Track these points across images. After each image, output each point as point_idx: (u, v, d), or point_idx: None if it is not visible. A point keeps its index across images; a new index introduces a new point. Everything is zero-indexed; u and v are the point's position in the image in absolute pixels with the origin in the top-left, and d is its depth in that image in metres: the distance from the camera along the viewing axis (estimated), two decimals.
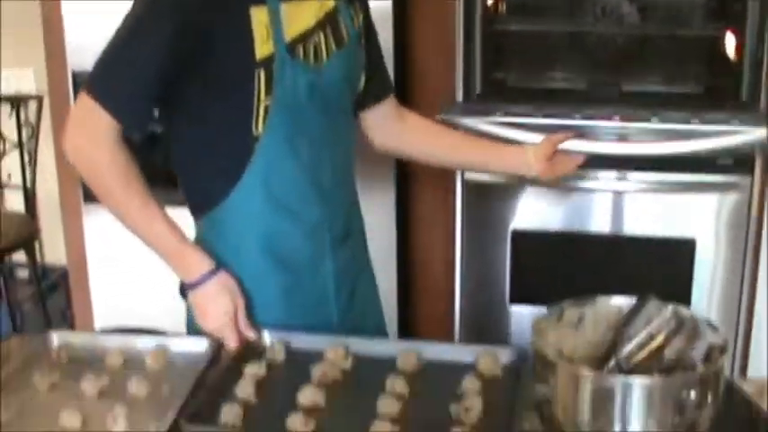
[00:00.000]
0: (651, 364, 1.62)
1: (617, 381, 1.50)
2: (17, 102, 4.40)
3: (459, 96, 3.21)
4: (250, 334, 2.01)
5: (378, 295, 2.42)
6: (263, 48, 1.95)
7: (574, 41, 3.67)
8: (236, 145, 2.01)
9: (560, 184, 2.41)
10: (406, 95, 3.37)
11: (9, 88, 4.45)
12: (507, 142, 2.70)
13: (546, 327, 1.68)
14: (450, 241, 3.18)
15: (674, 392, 1.47)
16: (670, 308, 1.65)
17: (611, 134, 2.95)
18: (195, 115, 2.02)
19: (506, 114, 3.01)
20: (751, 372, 3.17)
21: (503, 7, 3.59)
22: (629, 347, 1.63)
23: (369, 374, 1.87)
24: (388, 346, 1.98)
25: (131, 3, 1.94)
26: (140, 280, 3.01)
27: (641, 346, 1.63)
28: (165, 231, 1.98)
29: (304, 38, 2.03)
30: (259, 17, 1.95)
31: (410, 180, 3.50)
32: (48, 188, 4.26)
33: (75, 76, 3.44)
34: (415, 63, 3.46)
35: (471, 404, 1.70)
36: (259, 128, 1.99)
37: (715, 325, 1.63)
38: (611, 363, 1.62)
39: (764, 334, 3.23)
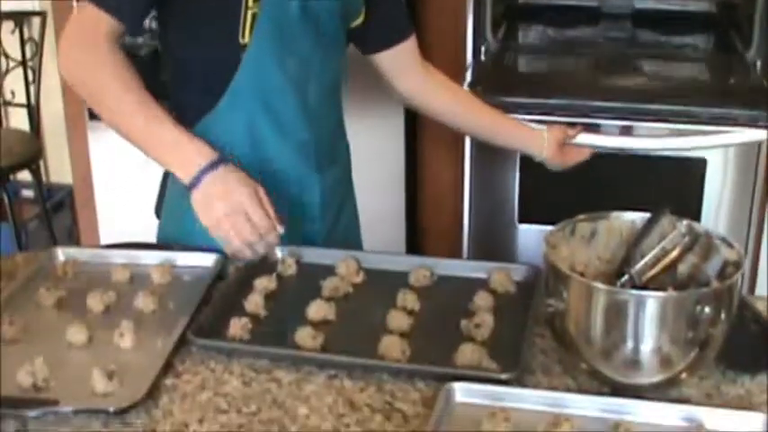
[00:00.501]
0: (664, 279, 1.60)
1: (630, 295, 1.47)
2: (20, 18, 4.33)
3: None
4: (280, 228, 1.84)
5: (359, 231, 2.38)
6: None
7: None
8: (224, 53, 1.96)
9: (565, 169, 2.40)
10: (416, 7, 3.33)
11: (11, 4, 4.38)
12: None
13: (558, 241, 1.65)
14: (459, 160, 3.14)
15: (688, 308, 1.44)
16: (684, 223, 1.62)
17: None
18: (183, 23, 1.99)
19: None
20: (759, 290, 3.15)
21: None
22: (642, 262, 1.60)
23: (380, 289, 1.85)
24: (400, 262, 1.97)
25: None
26: (146, 199, 2.97)
27: (655, 262, 1.60)
28: (162, 124, 1.86)
29: None
30: None
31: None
32: (52, 106, 4.22)
33: None
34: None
35: (482, 320, 1.69)
36: (245, 36, 1.93)
37: (730, 241, 1.60)
38: (625, 278, 1.59)
39: None
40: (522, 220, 3.20)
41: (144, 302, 1.82)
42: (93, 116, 3.43)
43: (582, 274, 1.63)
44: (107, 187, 3.62)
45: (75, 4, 3.34)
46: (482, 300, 1.78)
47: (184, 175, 1.84)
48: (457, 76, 2.80)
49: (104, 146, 3.52)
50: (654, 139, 2.66)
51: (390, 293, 1.81)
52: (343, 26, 2.11)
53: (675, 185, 3.04)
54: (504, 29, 3.38)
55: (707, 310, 1.44)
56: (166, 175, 2.17)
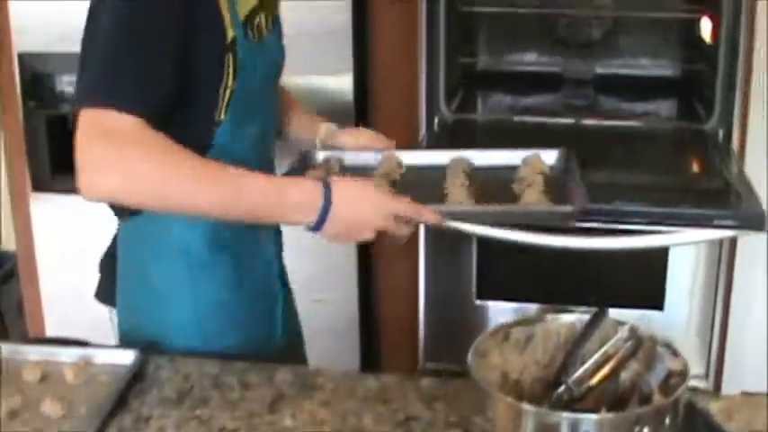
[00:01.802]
0: (605, 388, 1.49)
1: (562, 417, 1.35)
2: None
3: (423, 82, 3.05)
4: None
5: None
6: (229, 30, 1.81)
7: (545, 23, 3.54)
8: (199, 134, 1.84)
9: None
10: (367, 81, 3.25)
11: None
12: None
13: (490, 348, 1.53)
14: (414, 238, 3.03)
15: (627, 429, 1.32)
16: (627, 326, 1.51)
17: None
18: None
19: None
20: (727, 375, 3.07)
21: None
22: (581, 370, 1.49)
23: (425, 178, 2.06)
24: (438, 156, 2.19)
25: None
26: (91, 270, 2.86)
27: (595, 369, 1.49)
28: (257, 183, 1.74)
29: (251, 17, 1.89)
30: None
31: None
32: None
33: (20, 57, 3.27)
34: (376, 45, 3.28)
35: (532, 179, 1.97)
36: (221, 114, 1.84)
37: (675, 348, 1.49)
38: (561, 388, 1.48)
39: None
40: (480, 297, 3.08)
41: (52, 407, 1.69)
42: (36, 187, 3.34)
43: (517, 383, 1.51)
44: (52, 259, 3.49)
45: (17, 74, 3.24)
46: (526, 171, 2.04)
47: (305, 220, 1.77)
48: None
49: (48, 217, 3.41)
50: (610, 239, 2.54)
51: (436, 180, 2.03)
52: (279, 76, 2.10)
53: (636, 271, 2.93)
54: (461, 97, 3.26)
55: (646, 430, 1.32)
56: (112, 260, 2.04)
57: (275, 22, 2.02)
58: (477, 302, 3.09)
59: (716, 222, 2.47)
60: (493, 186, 2.02)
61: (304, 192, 1.76)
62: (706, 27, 3.16)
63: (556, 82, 3.55)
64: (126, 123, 1.63)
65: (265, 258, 2.08)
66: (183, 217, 1.82)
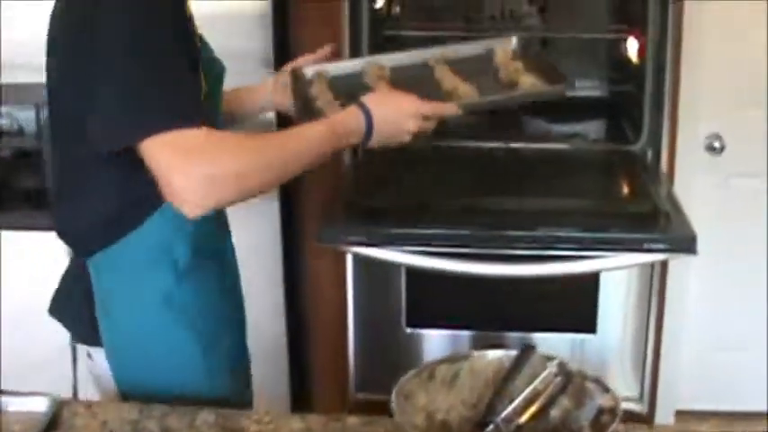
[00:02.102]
0: (535, 426, 1.43)
1: None
2: None
3: None
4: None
5: None
6: (196, 39, 1.83)
7: None
8: None
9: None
10: None
11: None
12: None
13: (414, 388, 1.47)
14: (342, 265, 2.98)
15: None
16: (556, 362, 1.46)
17: None
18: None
19: None
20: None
21: (395, 8, 3.40)
22: (509, 408, 1.43)
23: (414, 77, 2.31)
24: (411, 56, 2.47)
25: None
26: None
27: (524, 406, 1.44)
28: (314, 130, 1.89)
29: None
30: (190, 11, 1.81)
31: (296, 203, 3.27)
32: None
33: None
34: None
35: (513, 66, 2.33)
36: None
37: (605, 384, 1.43)
38: (490, 427, 1.42)
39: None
40: (410, 325, 3.02)
41: None
42: None
43: (444, 423, 1.46)
44: None
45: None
46: (500, 59, 2.40)
47: (356, 141, 1.98)
48: None
49: None
50: (539, 266, 2.49)
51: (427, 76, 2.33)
52: None
53: (568, 295, 2.90)
54: None
55: None
56: (88, 297, 1.93)
57: None
58: (408, 330, 3.02)
59: (646, 246, 2.44)
60: (483, 77, 2.32)
61: (350, 118, 1.95)
62: (633, 47, 3.14)
63: None
64: (198, 136, 1.65)
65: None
66: (161, 233, 1.86)
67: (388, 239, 2.47)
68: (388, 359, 3.07)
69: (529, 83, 2.26)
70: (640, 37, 3.06)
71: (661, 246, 2.44)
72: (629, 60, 3.20)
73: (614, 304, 2.95)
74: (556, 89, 2.27)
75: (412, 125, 2.01)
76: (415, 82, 2.23)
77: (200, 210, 1.67)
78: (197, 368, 1.93)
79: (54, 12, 1.85)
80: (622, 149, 3.02)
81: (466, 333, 2.98)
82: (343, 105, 2.07)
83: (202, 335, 1.92)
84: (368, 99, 1.98)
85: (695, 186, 3.19)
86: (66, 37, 1.77)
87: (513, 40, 2.51)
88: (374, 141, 1.98)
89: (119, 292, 1.89)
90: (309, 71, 2.33)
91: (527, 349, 1.50)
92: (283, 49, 3.01)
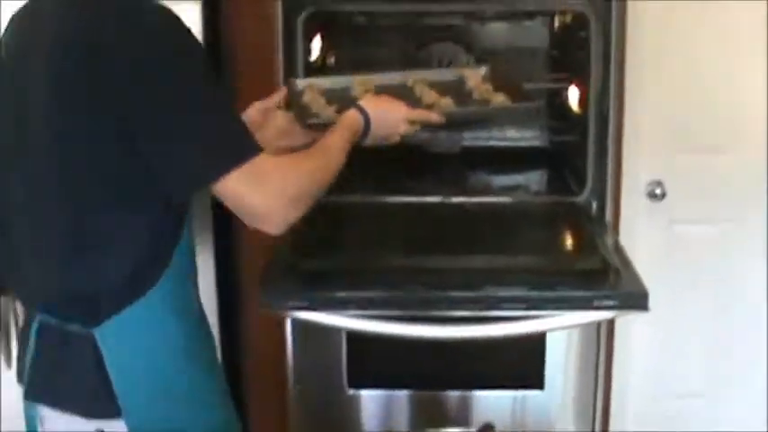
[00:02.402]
0: None
1: None
2: None
3: None
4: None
5: None
6: None
7: (410, 95, 3.41)
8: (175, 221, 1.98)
9: None
10: None
11: None
12: None
13: None
14: (282, 329, 2.87)
15: None
16: None
17: None
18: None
19: None
20: None
21: (329, 59, 3.31)
22: None
23: (398, 95, 2.39)
24: (394, 77, 2.66)
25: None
26: None
27: None
28: (334, 137, 2.14)
29: None
30: None
31: (233, 264, 3.17)
32: None
33: None
34: None
35: (484, 87, 2.59)
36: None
37: None
38: None
39: None
40: (351, 386, 2.92)
41: None
42: None
43: None
44: None
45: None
46: (472, 82, 2.64)
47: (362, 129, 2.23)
48: None
49: None
50: (484, 327, 2.40)
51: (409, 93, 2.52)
52: None
53: (514, 352, 2.80)
54: None
55: None
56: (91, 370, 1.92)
57: None
58: (350, 392, 2.91)
59: (596, 304, 2.36)
60: (459, 95, 2.55)
61: (352, 121, 2.20)
62: (574, 96, 3.08)
63: (421, 156, 3.43)
64: (268, 161, 1.87)
65: None
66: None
67: (330, 304, 2.37)
68: (330, 421, 2.97)
69: (501, 100, 2.49)
70: (581, 86, 3.00)
71: (611, 303, 2.36)
72: (570, 110, 3.14)
73: (561, 359, 2.86)
74: (528, 105, 2.56)
75: (402, 128, 2.27)
76: (397, 97, 2.37)
77: (285, 225, 1.93)
78: (221, 408, 2.12)
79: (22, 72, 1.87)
80: (566, 201, 2.95)
81: (408, 393, 2.88)
82: (339, 111, 2.31)
83: (218, 377, 2.13)
84: (365, 102, 2.25)
85: (638, 234, 3.13)
86: (86, 103, 1.80)
87: (483, 69, 2.75)
88: (369, 140, 2.24)
89: (140, 350, 1.93)
90: (301, 84, 2.58)
91: (485, 428, 1.40)
92: None
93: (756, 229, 3.19)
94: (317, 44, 3.08)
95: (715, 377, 3.29)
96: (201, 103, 1.83)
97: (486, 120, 3.19)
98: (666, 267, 3.19)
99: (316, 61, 3.07)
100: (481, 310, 2.34)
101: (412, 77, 2.65)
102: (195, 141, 1.81)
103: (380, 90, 2.51)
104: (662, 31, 3.04)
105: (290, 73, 2.81)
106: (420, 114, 2.32)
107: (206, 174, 1.82)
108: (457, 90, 2.60)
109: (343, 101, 2.41)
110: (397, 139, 2.29)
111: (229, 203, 1.87)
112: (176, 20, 1.82)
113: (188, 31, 1.84)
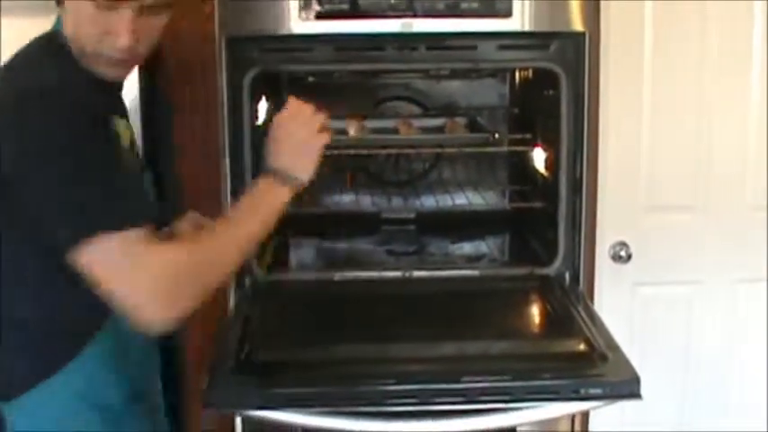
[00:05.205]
0: None
1: None
2: None
3: None
4: None
5: None
6: None
7: (358, 160, 3.26)
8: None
9: None
10: None
11: None
12: None
13: None
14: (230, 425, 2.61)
15: None
16: None
17: None
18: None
19: None
20: None
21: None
22: None
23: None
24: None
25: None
26: None
27: None
28: (239, 213, 1.95)
29: None
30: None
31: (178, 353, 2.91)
32: None
33: None
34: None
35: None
36: None
37: None
38: None
39: None
40: None
41: None
42: None
43: None
44: None
45: None
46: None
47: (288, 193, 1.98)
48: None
49: None
50: (463, 420, 2.14)
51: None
52: None
53: None
54: (271, 252, 2.85)
55: None
56: None
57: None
58: None
59: (583, 392, 2.12)
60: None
61: (262, 189, 1.96)
62: (540, 158, 2.88)
63: (373, 224, 3.20)
64: (143, 241, 1.67)
65: None
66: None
67: (286, 401, 2.09)
68: None
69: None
70: (548, 148, 2.80)
71: (600, 391, 2.12)
72: (535, 172, 2.94)
73: None
74: (479, 136, 2.85)
75: (318, 142, 2.01)
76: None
77: (161, 325, 1.69)
78: None
79: None
80: (536, 273, 2.72)
81: None
82: None
83: None
84: (270, 159, 1.99)
85: (602, 296, 3.00)
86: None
87: (465, 119, 3.02)
88: (303, 173, 1.99)
89: None
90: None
91: None
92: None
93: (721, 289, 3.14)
94: (263, 106, 2.84)
95: None
96: (71, 174, 1.69)
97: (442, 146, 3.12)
98: (632, 331, 3.09)
99: (263, 124, 2.83)
100: (461, 403, 2.08)
101: (402, 121, 2.95)
102: (60, 212, 1.69)
103: (375, 131, 2.86)
104: (625, 86, 2.95)
105: (237, 136, 2.57)
106: (321, 117, 2.06)
107: (67, 241, 1.67)
108: (435, 131, 2.95)
109: None
110: (317, 152, 2.02)
111: (95, 287, 1.68)
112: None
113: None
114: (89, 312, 1.79)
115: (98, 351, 1.82)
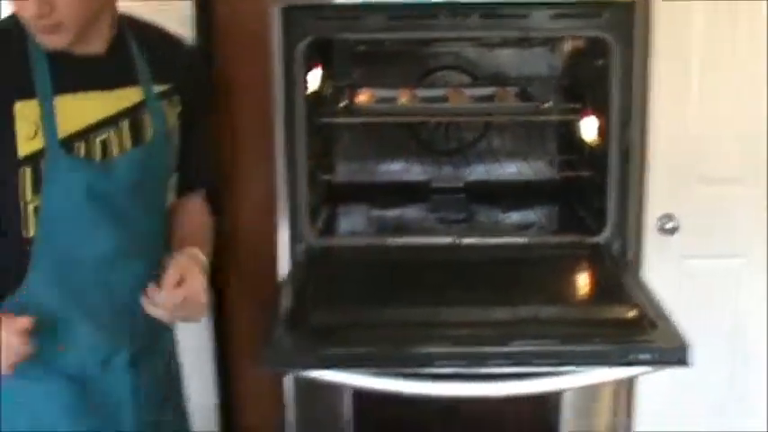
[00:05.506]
0: None
1: None
2: None
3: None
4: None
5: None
6: (28, 144, 1.85)
7: (409, 128, 3.27)
8: (12, 247, 1.89)
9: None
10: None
11: None
12: None
13: None
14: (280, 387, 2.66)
15: None
16: None
17: None
18: None
19: None
20: None
21: (327, 90, 3.10)
22: None
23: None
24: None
25: None
26: None
27: None
28: None
29: (85, 133, 1.90)
30: (25, 112, 1.84)
31: (228, 318, 2.97)
32: None
33: None
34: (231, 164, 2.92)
35: None
36: (30, 230, 1.87)
37: None
38: None
39: None
40: None
41: None
42: None
43: None
44: None
45: None
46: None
47: None
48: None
49: None
50: (512, 384, 2.17)
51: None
52: (150, 201, 2.04)
53: (527, 417, 2.59)
54: (324, 218, 2.90)
55: None
56: None
57: (147, 142, 1.99)
58: None
59: (632, 358, 2.15)
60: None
61: None
62: (589, 127, 2.88)
63: (422, 192, 3.23)
64: None
65: None
66: None
67: (339, 361, 2.14)
68: None
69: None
70: (599, 117, 2.80)
71: (648, 357, 2.15)
72: (584, 142, 2.95)
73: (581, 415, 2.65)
74: (528, 105, 2.89)
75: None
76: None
77: None
78: None
79: None
80: (585, 241, 2.74)
81: None
82: None
83: None
84: None
85: (648, 268, 2.93)
86: None
87: (516, 89, 3.04)
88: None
89: None
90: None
91: None
92: None
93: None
94: (316, 74, 2.87)
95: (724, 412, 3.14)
96: None
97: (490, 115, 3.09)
98: (677, 303, 3.01)
99: (316, 91, 2.86)
100: (510, 366, 2.11)
101: (452, 90, 2.99)
102: None
103: (425, 100, 2.94)
104: (674, 56, 2.87)
105: (290, 104, 2.61)
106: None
107: None
108: (485, 101, 2.97)
109: None
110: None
111: None
112: None
113: None
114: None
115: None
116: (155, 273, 1.95)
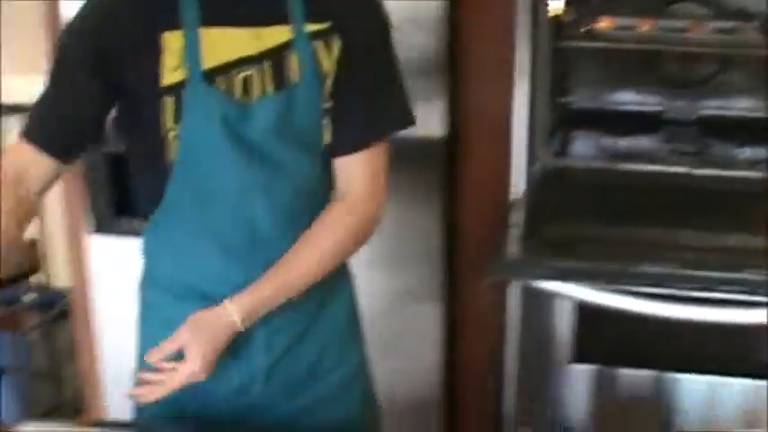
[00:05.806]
0: None
1: None
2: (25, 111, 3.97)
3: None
4: None
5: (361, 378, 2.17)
6: (172, 74, 1.85)
7: (646, 60, 3.26)
8: (158, 173, 1.91)
9: None
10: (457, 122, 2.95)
11: (12, 97, 4.01)
12: None
13: None
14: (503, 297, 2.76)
15: None
16: None
17: None
18: (125, 138, 1.99)
19: None
20: None
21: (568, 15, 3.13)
22: None
23: None
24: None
25: None
26: None
27: None
28: None
29: (227, 69, 1.86)
30: (171, 42, 1.85)
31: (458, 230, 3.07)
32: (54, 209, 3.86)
33: None
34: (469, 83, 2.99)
35: None
36: (171, 155, 1.88)
37: None
38: None
39: None
40: (575, 361, 2.77)
41: None
42: (99, 229, 3.20)
43: None
44: (108, 299, 3.28)
45: None
46: None
47: None
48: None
49: (106, 257, 3.22)
50: (743, 311, 2.19)
51: None
52: (291, 148, 1.93)
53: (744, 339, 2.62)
54: (559, 141, 2.96)
55: None
56: None
57: (291, 86, 1.90)
58: (575, 367, 2.77)
59: None
60: None
61: None
62: None
63: (654, 123, 3.25)
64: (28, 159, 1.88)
65: None
66: None
67: (571, 274, 2.22)
68: (548, 394, 2.84)
69: None
70: None
71: None
72: None
73: None
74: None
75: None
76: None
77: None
78: None
79: None
80: None
81: (641, 373, 2.73)
82: None
83: None
84: None
85: None
86: None
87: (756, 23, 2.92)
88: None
89: None
90: None
91: None
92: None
93: None
94: None
95: None
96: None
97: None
98: None
99: (558, 15, 2.91)
100: (742, 294, 2.14)
101: (693, 21, 2.97)
102: None
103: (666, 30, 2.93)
104: None
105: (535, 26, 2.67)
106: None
107: None
108: (725, 34, 2.93)
109: None
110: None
111: None
112: None
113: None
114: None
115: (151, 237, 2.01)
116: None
